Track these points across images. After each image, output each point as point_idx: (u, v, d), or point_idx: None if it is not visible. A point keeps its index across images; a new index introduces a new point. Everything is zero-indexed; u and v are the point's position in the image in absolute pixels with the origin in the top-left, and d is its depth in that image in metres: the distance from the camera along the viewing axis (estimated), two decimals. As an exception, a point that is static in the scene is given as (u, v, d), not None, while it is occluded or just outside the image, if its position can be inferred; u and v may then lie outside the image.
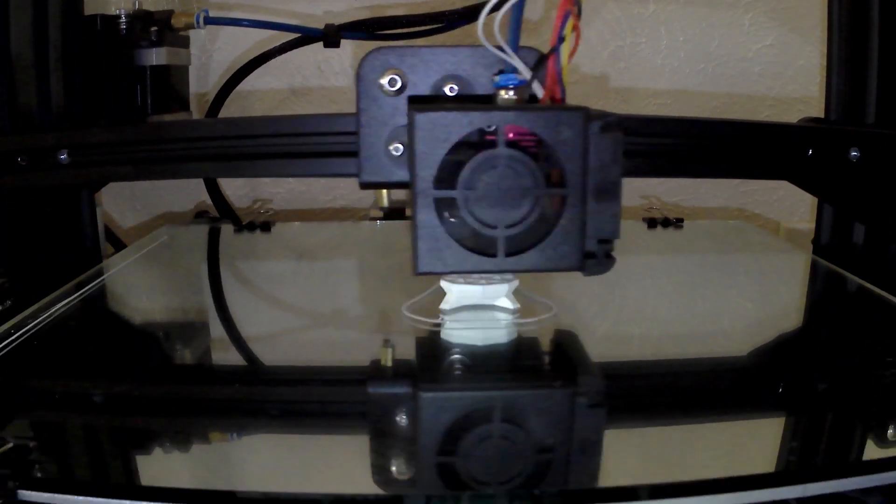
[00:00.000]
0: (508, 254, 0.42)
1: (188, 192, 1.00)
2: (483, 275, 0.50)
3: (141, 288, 0.64)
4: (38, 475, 0.34)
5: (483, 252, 0.42)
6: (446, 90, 0.47)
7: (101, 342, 0.51)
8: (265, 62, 0.81)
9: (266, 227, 0.82)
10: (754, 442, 0.38)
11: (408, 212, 0.88)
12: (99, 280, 0.62)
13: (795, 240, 0.90)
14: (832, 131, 0.65)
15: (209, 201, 0.98)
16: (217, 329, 0.54)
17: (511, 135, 0.42)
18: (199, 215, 0.96)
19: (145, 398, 0.41)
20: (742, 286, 0.65)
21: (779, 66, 0.98)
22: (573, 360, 0.43)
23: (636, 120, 0.52)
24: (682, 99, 0.98)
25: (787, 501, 0.33)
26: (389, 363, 0.45)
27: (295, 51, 0.82)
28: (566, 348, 0.45)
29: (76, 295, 0.58)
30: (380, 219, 0.87)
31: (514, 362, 0.44)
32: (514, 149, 0.41)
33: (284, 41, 0.81)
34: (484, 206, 0.42)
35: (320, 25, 0.76)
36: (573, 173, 0.42)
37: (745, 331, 0.53)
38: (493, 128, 0.41)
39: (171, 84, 0.76)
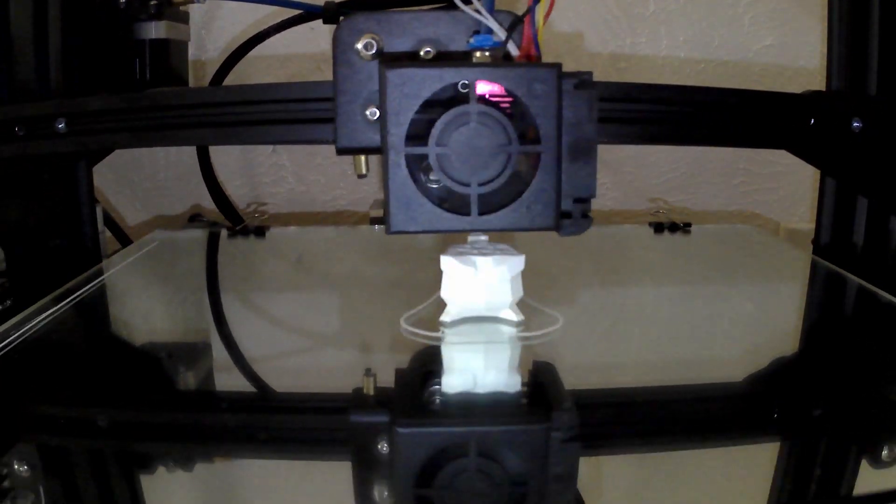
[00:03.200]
0: (482, 212, 0.42)
1: (188, 192, 1.01)
2: (481, 247, 0.48)
3: (124, 300, 0.62)
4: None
5: (457, 211, 0.42)
6: (422, 54, 0.46)
7: (78, 357, 0.50)
8: (263, 41, 0.81)
9: (260, 232, 0.79)
10: (752, 469, 0.37)
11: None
12: (102, 277, 0.62)
13: (795, 240, 0.89)
14: (834, 101, 0.64)
15: (204, 203, 0.99)
16: (204, 346, 0.52)
17: (485, 94, 0.42)
18: (193, 218, 0.95)
19: (126, 423, 0.41)
20: (750, 294, 0.63)
21: (779, 66, 0.97)
22: (551, 394, 0.40)
23: (636, 87, 0.52)
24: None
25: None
26: (371, 392, 0.42)
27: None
28: (545, 380, 0.42)
29: (80, 293, 0.58)
30: (380, 218, 0.87)
31: (494, 396, 0.41)
32: (486, 105, 0.41)
33: (283, 19, 0.81)
34: (456, 164, 0.41)
35: (320, 2, 0.75)
36: (547, 131, 0.41)
37: (752, 345, 0.51)
38: (466, 85, 0.41)
39: (169, 59, 0.76)
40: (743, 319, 0.56)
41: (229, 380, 0.46)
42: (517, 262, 0.48)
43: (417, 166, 0.42)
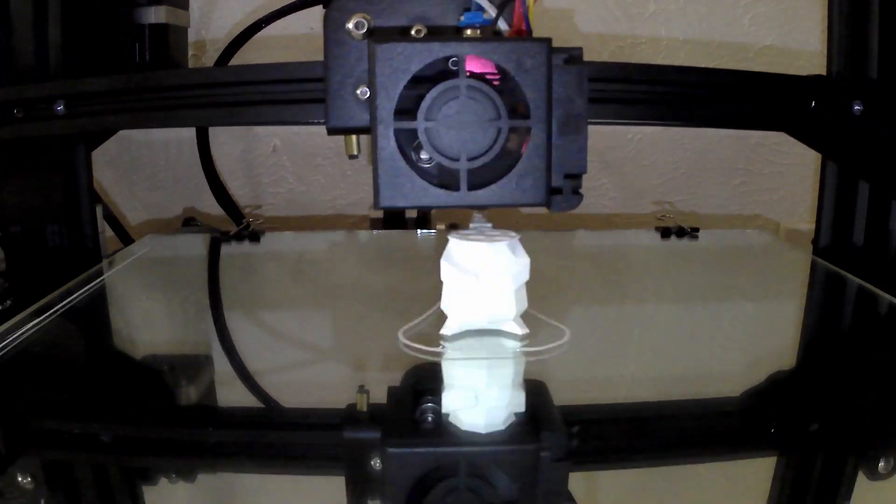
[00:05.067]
0: (471, 188, 0.41)
1: (188, 192, 1.01)
2: (483, 232, 0.47)
3: (113, 308, 0.60)
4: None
5: (446, 187, 0.42)
6: (413, 33, 0.46)
7: (70, 364, 0.49)
8: (262, 28, 0.82)
9: (255, 237, 0.78)
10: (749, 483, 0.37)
11: (408, 213, 0.88)
12: (102, 277, 0.61)
13: (795, 240, 0.89)
14: (835, 84, 0.63)
15: (202, 205, 0.99)
16: (195, 358, 0.51)
17: (475, 69, 0.41)
18: (187, 222, 0.95)
19: (118, 437, 0.40)
20: (753, 299, 0.62)
21: (779, 66, 0.97)
22: (541, 414, 0.39)
23: (636, 67, 0.52)
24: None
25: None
26: (365, 408, 0.41)
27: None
28: (536, 400, 0.40)
29: (80, 293, 0.57)
30: (380, 219, 0.87)
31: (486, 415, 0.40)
32: (475, 79, 0.41)
33: (283, 5, 0.81)
34: (445, 138, 0.41)
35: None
36: (537, 105, 0.41)
37: (752, 355, 0.50)
38: (456, 62, 0.41)
39: (168, 44, 0.76)
40: (744, 328, 0.55)
41: (223, 393, 0.45)
42: (521, 272, 0.45)
43: (407, 142, 0.42)
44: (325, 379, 0.47)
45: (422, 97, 0.41)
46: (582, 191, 0.43)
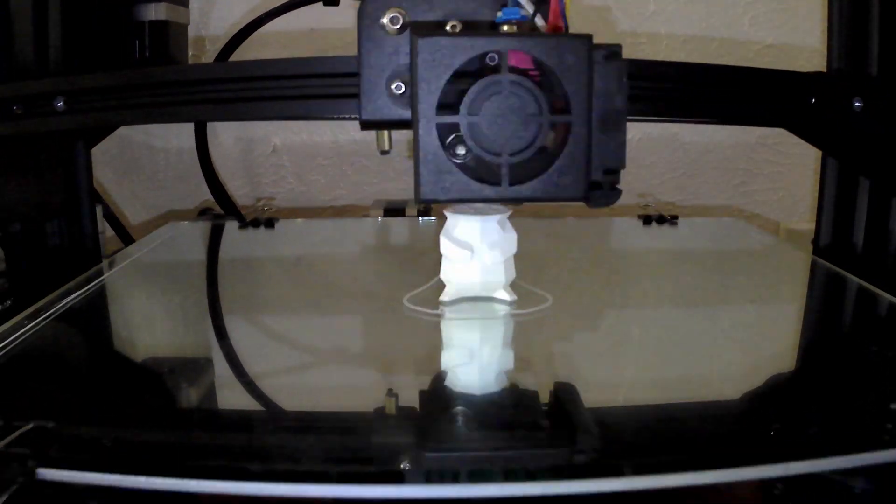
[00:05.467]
0: (512, 182, 0.41)
1: (188, 192, 1.00)
2: (478, 205, 0.50)
3: (146, 286, 0.64)
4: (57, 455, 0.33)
5: (487, 181, 0.42)
6: (448, 28, 0.46)
7: (103, 340, 0.51)
8: (263, 25, 0.81)
9: (270, 223, 0.82)
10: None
11: (408, 212, 0.88)
12: (102, 277, 0.61)
13: (795, 240, 0.90)
14: (835, 80, 0.64)
15: (212, 200, 0.98)
16: (223, 335, 0.53)
17: (513, 63, 0.41)
18: (203, 213, 0.96)
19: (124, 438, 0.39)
20: (736, 285, 0.64)
21: (779, 66, 0.97)
22: (573, 417, 0.39)
23: (639, 63, 0.52)
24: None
25: (769, 480, 0.32)
26: (394, 412, 0.41)
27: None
28: (566, 402, 0.41)
29: (80, 292, 0.57)
30: (380, 216, 0.87)
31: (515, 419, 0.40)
32: (517, 74, 0.41)
33: (283, 2, 0.81)
34: (487, 133, 0.41)
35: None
36: (578, 101, 0.41)
37: (750, 355, 0.50)
38: (496, 57, 0.41)
39: (168, 41, 0.76)
40: (742, 326, 0.55)
41: (235, 393, 0.45)
42: (510, 245, 0.50)
43: (445, 136, 0.42)
44: (343, 352, 0.49)
45: (460, 92, 0.41)
46: None
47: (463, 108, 0.41)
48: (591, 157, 0.42)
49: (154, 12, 0.74)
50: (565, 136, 0.42)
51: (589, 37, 0.41)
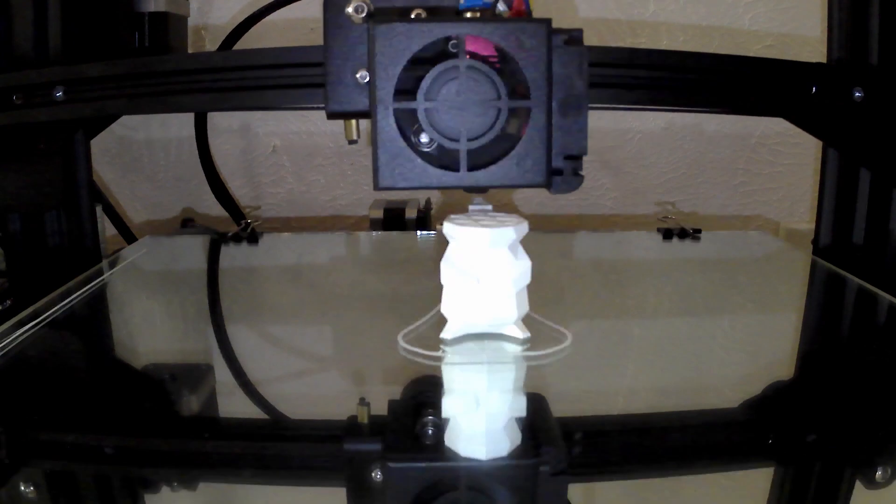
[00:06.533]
0: (471, 168, 0.41)
1: (188, 192, 1.01)
2: (483, 215, 0.46)
3: (111, 311, 0.59)
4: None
5: (447, 167, 0.41)
6: (413, 16, 0.46)
7: (68, 368, 0.48)
8: (261, 19, 0.82)
9: (253, 238, 0.77)
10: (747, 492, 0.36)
11: (408, 212, 0.88)
12: (84, 290, 0.59)
13: (795, 240, 0.89)
14: (836, 69, 0.63)
15: (202, 205, 0.99)
16: (194, 365, 0.50)
17: (475, 50, 0.41)
18: (185, 223, 0.95)
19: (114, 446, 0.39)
20: (754, 301, 0.62)
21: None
22: (541, 429, 0.38)
23: (639, 53, 0.52)
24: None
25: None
26: (366, 420, 0.40)
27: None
28: (535, 414, 0.39)
29: (81, 292, 0.57)
30: (379, 220, 0.86)
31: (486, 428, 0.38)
32: (475, 59, 0.41)
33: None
34: (445, 119, 0.41)
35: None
36: (537, 86, 0.41)
37: (751, 364, 0.49)
38: (455, 45, 0.41)
39: (168, 32, 0.76)
40: (745, 331, 0.55)
41: (223, 402, 0.44)
42: (523, 275, 0.44)
43: (407, 125, 0.42)
44: (326, 386, 0.47)
45: (421, 79, 0.41)
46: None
47: (420, 93, 0.41)
48: (551, 142, 0.41)
49: (154, 3, 0.75)
50: (525, 120, 0.41)
51: (548, 21, 0.41)
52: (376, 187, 0.41)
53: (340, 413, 0.41)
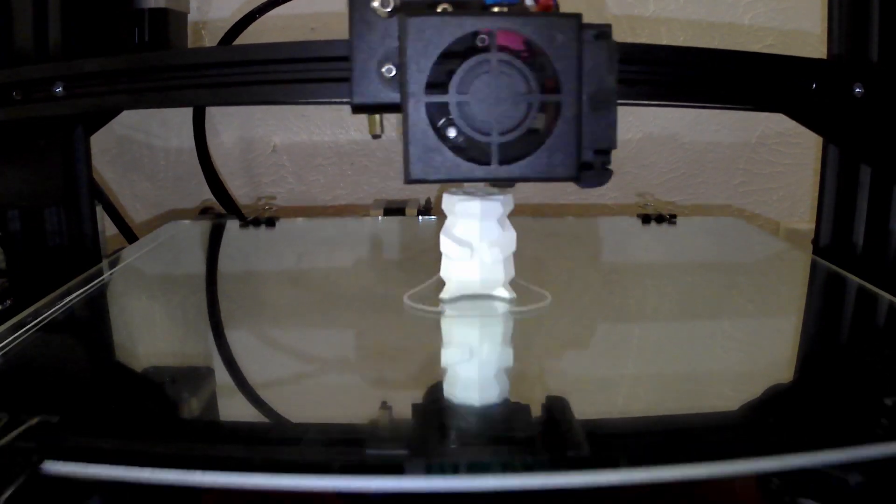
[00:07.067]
0: (502, 162, 0.41)
1: (188, 192, 1.00)
2: (478, 185, 0.51)
3: (147, 285, 0.64)
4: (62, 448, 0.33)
5: (476, 160, 0.41)
6: (439, 10, 0.46)
7: (104, 340, 0.51)
8: (261, 16, 0.82)
9: (271, 222, 0.82)
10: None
11: (408, 211, 0.88)
12: (105, 276, 0.62)
13: (795, 240, 0.89)
14: (836, 65, 0.63)
15: (213, 200, 0.98)
16: (222, 336, 0.53)
17: (505, 44, 0.41)
18: (204, 212, 0.96)
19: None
20: (734, 284, 0.64)
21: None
22: (564, 431, 0.38)
23: (638, 47, 0.52)
24: (679, 106, 0.98)
25: (764, 475, 0.32)
26: (387, 425, 0.40)
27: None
28: (558, 416, 0.39)
29: (81, 291, 0.57)
30: (380, 216, 0.87)
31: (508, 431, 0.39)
32: (507, 53, 0.41)
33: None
34: (477, 112, 0.41)
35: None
36: (568, 80, 0.41)
37: (739, 337, 0.52)
38: (486, 39, 0.41)
39: (168, 28, 0.76)
40: (740, 325, 0.55)
41: (235, 400, 0.44)
42: (509, 243, 0.51)
43: (437, 118, 0.42)
44: (343, 369, 0.48)
45: (449, 73, 0.41)
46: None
47: (452, 86, 0.41)
48: (581, 136, 0.42)
49: (154, 0, 0.74)
50: (556, 117, 0.42)
51: (578, 16, 0.41)
52: (407, 180, 0.41)
53: (360, 402, 0.42)
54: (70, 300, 0.55)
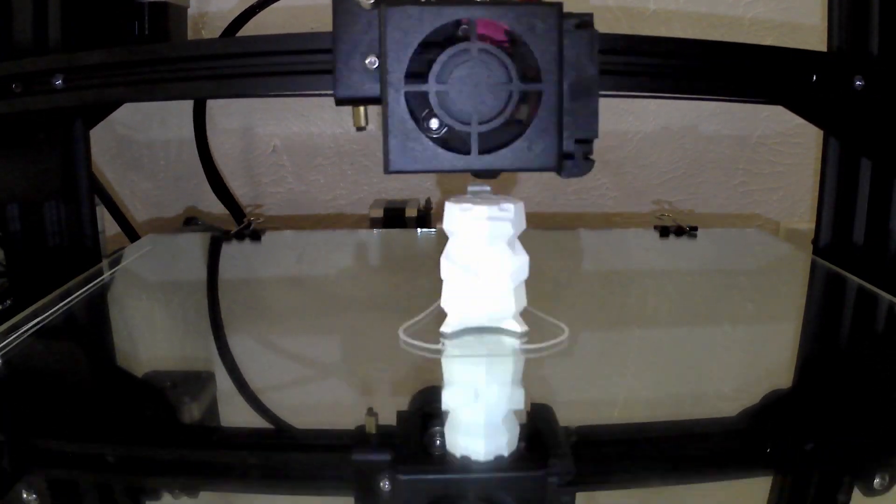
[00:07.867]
0: (482, 152, 0.41)
1: (188, 192, 1.00)
2: (482, 196, 0.46)
3: (112, 310, 0.59)
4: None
5: (457, 150, 0.41)
6: (422, 2, 0.46)
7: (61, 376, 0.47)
8: (256, 14, 0.82)
9: (256, 236, 0.77)
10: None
11: (408, 212, 0.88)
12: (85, 289, 0.59)
13: (795, 240, 0.89)
14: (836, 58, 0.63)
15: (202, 205, 0.98)
16: (197, 370, 0.49)
17: (486, 34, 0.41)
18: (188, 222, 0.95)
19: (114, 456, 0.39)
20: (753, 300, 0.61)
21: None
22: (548, 439, 0.37)
23: (640, 39, 0.51)
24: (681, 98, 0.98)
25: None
26: (374, 431, 0.39)
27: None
28: (542, 424, 0.39)
29: (81, 292, 0.57)
30: (379, 219, 0.86)
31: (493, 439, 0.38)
32: (487, 43, 0.41)
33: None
34: (456, 102, 0.41)
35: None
36: (548, 69, 0.41)
37: (750, 371, 0.48)
38: (466, 29, 0.41)
39: (168, 22, 0.76)
40: (743, 332, 0.54)
41: (225, 409, 0.43)
42: (521, 270, 0.45)
43: (417, 110, 0.42)
44: (331, 387, 0.46)
45: (431, 63, 0.41)
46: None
47: (431, 76, 0.40)
48: (562, 126, 0.41)
49: (154, -6, 0.75)
50: (537, 107, 0.41)
51: (559, 4, 0.41)
52: (387, 170, 0.41)
53: (347, 415, 0.41)
54: (70, 300, 0.55)
